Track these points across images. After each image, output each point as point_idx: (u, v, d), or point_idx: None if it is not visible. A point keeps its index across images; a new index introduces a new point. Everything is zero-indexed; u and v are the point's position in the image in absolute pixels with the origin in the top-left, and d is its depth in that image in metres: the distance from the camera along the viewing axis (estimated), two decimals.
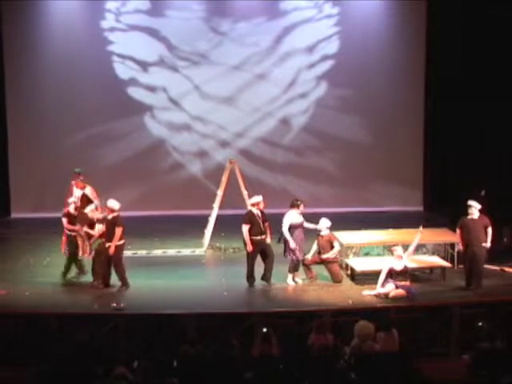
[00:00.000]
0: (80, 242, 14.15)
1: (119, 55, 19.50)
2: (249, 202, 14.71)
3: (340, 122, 19.89)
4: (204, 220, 16.41)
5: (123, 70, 19.54)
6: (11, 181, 19.55)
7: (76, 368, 9.72)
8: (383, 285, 13.25)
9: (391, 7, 19.63)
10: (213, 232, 16.31)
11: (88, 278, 14.04)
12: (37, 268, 14.53)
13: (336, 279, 14.03)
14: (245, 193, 15.99)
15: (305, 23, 19.61)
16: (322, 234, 14.16)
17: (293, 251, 13.88)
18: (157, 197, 19.48)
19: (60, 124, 19.43)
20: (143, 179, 19.62)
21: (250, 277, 13.95)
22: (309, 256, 14.17)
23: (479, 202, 13.67)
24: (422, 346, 12.27)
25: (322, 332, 10.99)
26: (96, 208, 14.35)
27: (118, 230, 13.60)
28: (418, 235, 13.55)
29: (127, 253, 14.48)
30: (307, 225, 14.15)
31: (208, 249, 16.31)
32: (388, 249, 14.32)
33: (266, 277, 13.99)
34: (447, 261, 14.59)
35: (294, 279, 14.07)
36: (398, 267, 13.27)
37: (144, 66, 19.57)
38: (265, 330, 10.85)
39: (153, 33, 19.44)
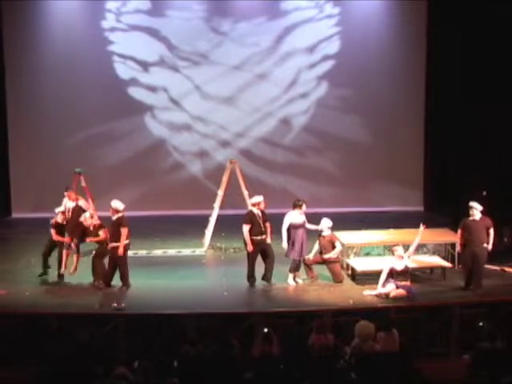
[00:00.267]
0: (64, 256, 14.13)
1: (120, 55, 19.51)
2: (249, 201, 14.72)
3: (340, 122, 19.89)
4: (204, 220, 16.42)
5: (124, 70, 19.55)
6: (11, 181, 19.57)
7: (76, 368, 9.71)
8: (384, 285, 13.25)
9: (392, 7, 19.63)
10: (213, 232, 16.31)
11: (88, 278, 14.02)
12: (37, 268, 14.51)
13: (337, 279, 14.04)
14: (245, 193, 15.98)
15: (305, 23, 19.62)
16: (323, 234, 14.16)
17: (290, 250, 13.89)
18: (157, 197, 19.49)
19: (60, 124, 19.44)
20: (144, 179, 19.63)
21: (251, 277, 13.95)
22: (310, 256, 14.18)
23: (480, 202, 13.67)
24: (423, 346, 12.27)
25: (322, 332, 10.99)
26: (91, 216, 14.20)
27: (124, 231, 13.61)
28: (418, 235, 13.54)
29: (128, 253, 14.46)
30: (309, 226, 14.15)
31: (208, 249, 16.32)
32: (388, 249, 14.32)
33: (266, 277, 13.99)
34: (448, 261, 14.59)
35: (294, 279, 14.07)
36: (399, 267, 13.27)
37: (144, 65, 19.59)
38: (266, 329, 10.85)
39: (153, 33, 19.45)
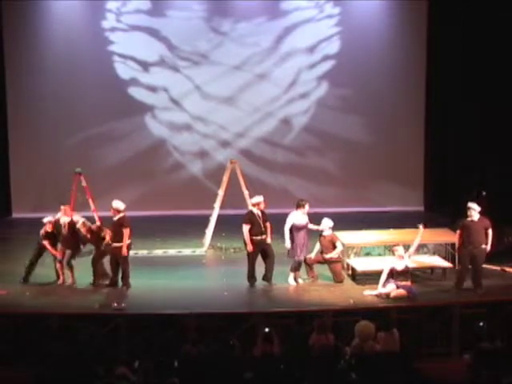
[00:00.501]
0: (59, 269, 14.01)
1: (120, 55, 19.51)
2: (249, 201, 14.71)
3: (341, 122, 19.90)
4: (205, 220, 16.41)
5: (124, 70, 19.56)
6: (11, 181, 19.57)
7: (77, 368, 9.71)
8: (384, 285, 13.24)
9: (392, 7, 19.64)
10: (213, 232, 16.31)
11: (88, 278, 14.01)
12: (37, 268, 14.49)
13: (338, 279, 14.03)
14: (245, 193, 15.98)
15: (305, 23, 19.63)
16: (324, 234, 14.16)
17: (292, 250, 13.89)
18: (157, 197, 19.49)
19: (60, 124, 19.45)
20: (144, 179, 19.64)
21: (251, 277, 13.94)
22: (311, 256, 14.18)
23: (479, 202, 13.66)
24: (423, 346, 12.27)
25: (322, 332, 11.00)
26: (83, 223, 14.08)
27: (126, 231, 13.63)
28: (419, 235, 13.53)
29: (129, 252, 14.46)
30: (311, 226, 14.14)
31: (209, 249, 16.32)
32: (389, 249, 14.33)
33: (266, 277, 13.98)
34: (448, 261, 14.57)
35: (295, 279, 14.06)
36: (399, 267, 13.26)
37: (145, 66, 19.59)
38: (267, 329, 10.85)
39: (153, 33, 19.46)
